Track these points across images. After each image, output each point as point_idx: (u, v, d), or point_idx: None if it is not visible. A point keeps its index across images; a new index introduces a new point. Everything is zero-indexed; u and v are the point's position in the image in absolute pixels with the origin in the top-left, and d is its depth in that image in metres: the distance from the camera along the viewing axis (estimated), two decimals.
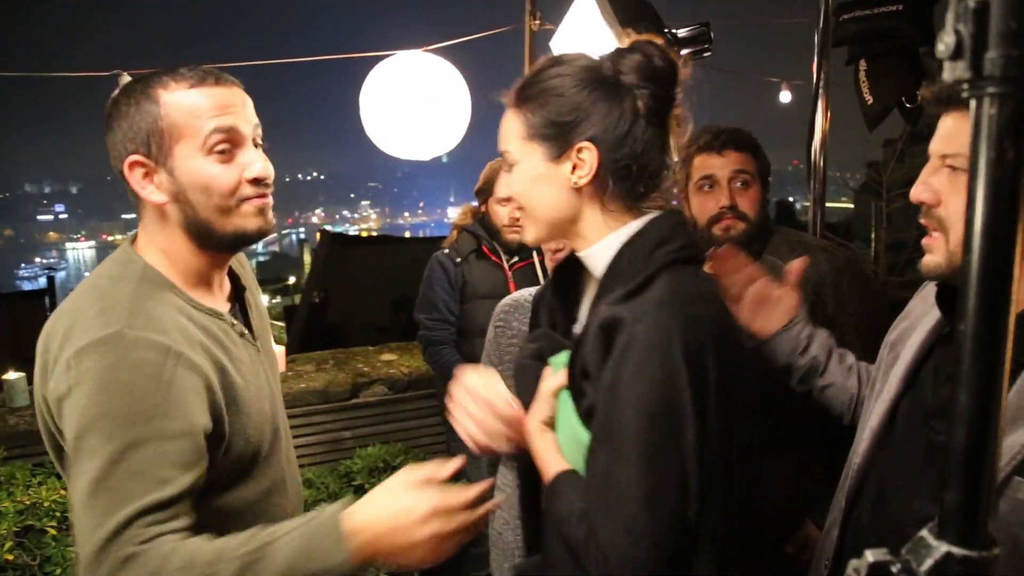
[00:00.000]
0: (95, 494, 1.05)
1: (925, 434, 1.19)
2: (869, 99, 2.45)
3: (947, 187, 1.09)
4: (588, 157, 1.08)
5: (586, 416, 1.07)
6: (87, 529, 1.06)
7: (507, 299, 2.00)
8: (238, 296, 1.40)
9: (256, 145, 1.26)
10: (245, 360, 1.29)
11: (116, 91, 1.23)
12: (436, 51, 3.42)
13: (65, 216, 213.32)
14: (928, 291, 1.31)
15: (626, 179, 1.10)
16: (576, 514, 1.03)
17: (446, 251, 2.96)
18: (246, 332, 1.34)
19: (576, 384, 1.09)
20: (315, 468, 3.11)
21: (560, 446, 1.13)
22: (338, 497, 2.77)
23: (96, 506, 1.05)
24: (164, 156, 1.19)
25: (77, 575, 1.11)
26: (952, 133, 1.09)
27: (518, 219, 2.85)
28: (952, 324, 1.17)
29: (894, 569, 0.62)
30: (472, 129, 3.43)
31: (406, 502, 1.09)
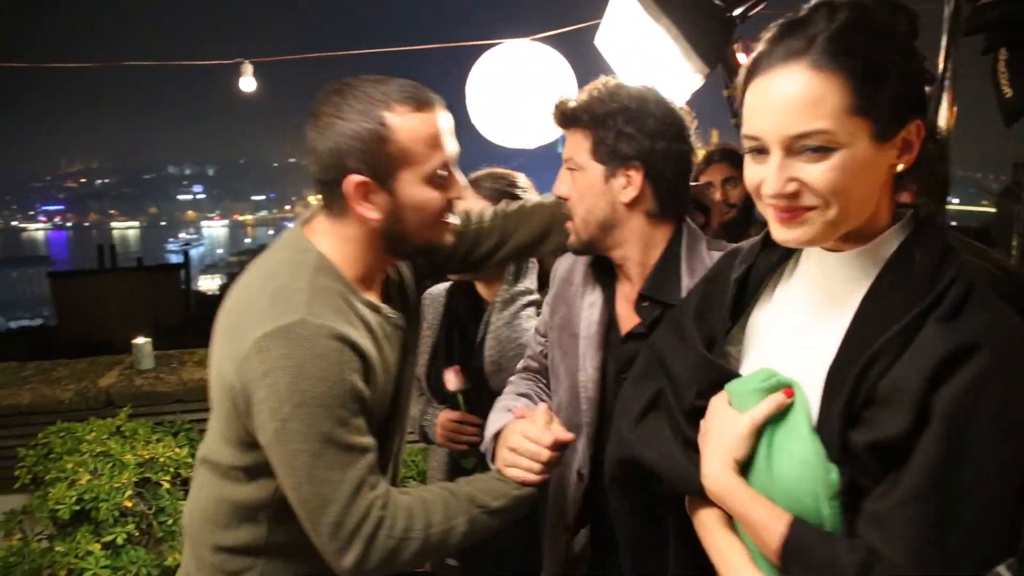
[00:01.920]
0: (315, 472, 1.18)
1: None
2: (1008, 92, 2.24)
3: (571, 185, 1.45)
4: (914, 135, 0.88)
5: (868, 450, 0.82)
6: (317, 504, 1.19)
7: (429, 291, 2.11)
8: (398, 288, 1.49)
9: None
10: (387, 349, 1.38)
11: (327, 95, 1.25)
12: (544, 40, 3.41)
13: (203, 196, 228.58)
14: (567, 276, 1.61)
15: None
16: (853, 565, 0.80)
17: None
18: (399, 320, 1.41)
19: (846, 407, 0.84)
20: (407, 447, 3.21)
21: (763, 491, 0.91)
22: (425, 475, 2.85)
23: (321, 482, 1.18)
24: (387, 178, 1.25)
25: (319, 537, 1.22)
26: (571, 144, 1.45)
27: None
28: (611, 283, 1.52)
29: None
30: None
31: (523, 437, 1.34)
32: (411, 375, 1.54)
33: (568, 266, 1.63)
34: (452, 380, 1.90)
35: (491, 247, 1.67)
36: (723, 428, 0.93)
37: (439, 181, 1.29)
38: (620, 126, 1.41)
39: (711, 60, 2.12)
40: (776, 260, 1.06)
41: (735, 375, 0.98)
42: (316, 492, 1.19)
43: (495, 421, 1.49)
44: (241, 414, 1.23)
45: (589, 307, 1.54)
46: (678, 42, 2.10)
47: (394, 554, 1.22)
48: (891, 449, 0.80)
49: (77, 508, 2.44)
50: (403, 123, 1.24)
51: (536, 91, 3.49)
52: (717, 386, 1.00)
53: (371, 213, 1.27)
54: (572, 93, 1.49)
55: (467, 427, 1.88)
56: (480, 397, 1.88)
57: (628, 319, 1.48)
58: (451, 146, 1.31)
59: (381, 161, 1.23)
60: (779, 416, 0.90)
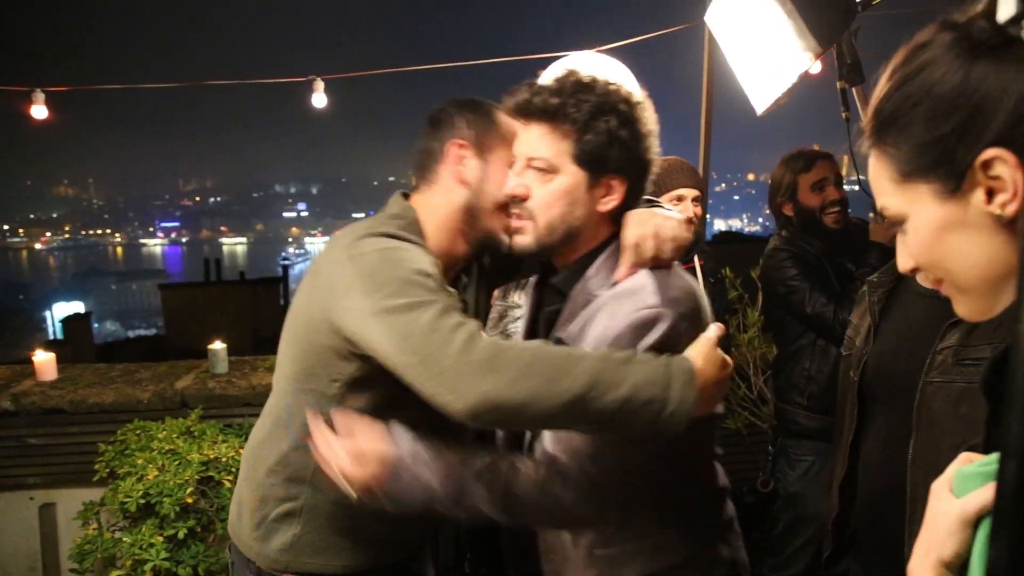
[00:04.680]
0: (390, 326, 1.28)
1: None
2: None
3: (535, 185, 1.37)
4: (1004, 170, 0.68)
5: None
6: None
7: None
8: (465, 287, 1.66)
9: None
10: None
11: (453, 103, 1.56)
12: (609, 51, 3.38)
13: (306, 214, 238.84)
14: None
15: None
16: None
17: None
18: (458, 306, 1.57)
19: None
20: None
21: None
22: None
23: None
24: (485, 151, 1.50)
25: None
26: (536, 139, 1.36)
27: (689, 218, 2.75)
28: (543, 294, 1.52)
29: None
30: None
31: (719, 357, 1.27)
32: None
33: None
34: None
35: None
36: (934, 517, 0.74)
37: (509, 169, 1.50)
38: (613, 131, 1.31)
39: (825, 41, 2.04)
40: None
41: None
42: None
43: None
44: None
45: (522, 311, 1.60)
46: (792, 18, 2.03)
47: (497, 356, 1.19)
48: None
49: (143, 502, 2.56)
50: (506, 120, 1.49)
51: None
52: None
53: (464, 173, 1.50)
54: (545, 80, 1.41)
55: None
56: None
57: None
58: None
59: (487, 133, 1.50)
60: None
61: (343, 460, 1.24)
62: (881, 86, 0.79)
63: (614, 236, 1.41)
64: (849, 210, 2.78)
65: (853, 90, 2.19)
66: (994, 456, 0.69)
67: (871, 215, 2.24)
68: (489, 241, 1.54)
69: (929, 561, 0.71)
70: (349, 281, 1.34)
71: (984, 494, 0.68)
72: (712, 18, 2.39)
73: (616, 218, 1.40)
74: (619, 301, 1.31)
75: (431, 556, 1.95)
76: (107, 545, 2.67)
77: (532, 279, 1.60)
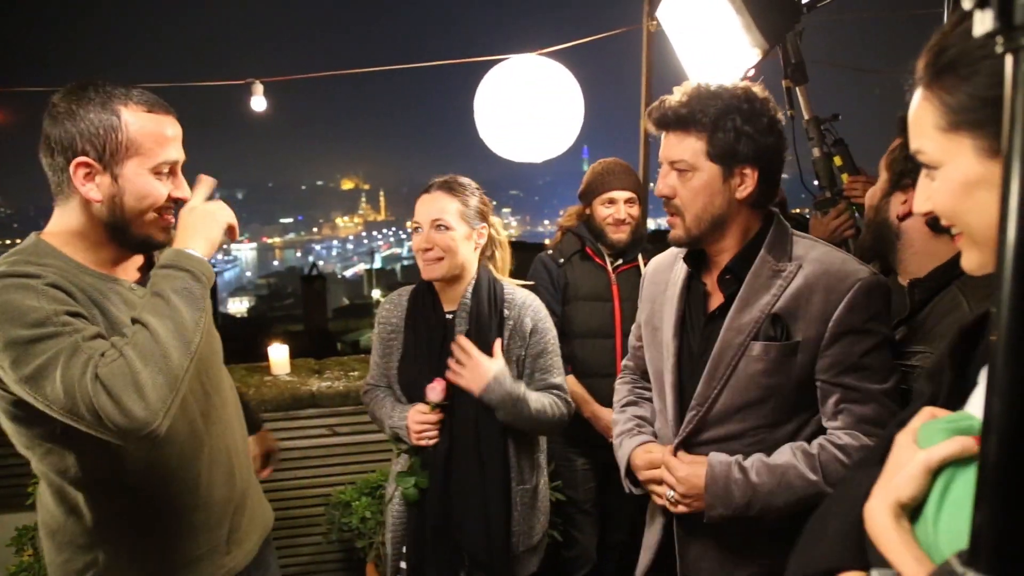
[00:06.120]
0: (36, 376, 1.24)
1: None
2: None
3: (678, 184, 1.53)
4: None
5: None
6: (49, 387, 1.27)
7: (392, 294, 2.26)
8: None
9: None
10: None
11: (70, 88, 1.38)
12: (550, 54, 3.43)
13: None
14: (653, 277, 1.77)
15: None
16: None
17: (550, 252, 2.95)
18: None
19: None
20: None
21: (927, 543, 0.73)
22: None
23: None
24: (114, 164, 1.38)
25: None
26: (674, 144, 1.52)
27: (623, 219, 2.80)
28: (697, 273, 1.66)
29: None
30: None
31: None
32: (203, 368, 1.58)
33: (655, 266, 1.80)
34: (436, 392, 1.99)
35: None
36: (897, 464, 0.78)
37: (164, 177, 1.43)
38: (738, 126, 1.46)
39: (771, 37, 2.11)
40: None
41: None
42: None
43: (625, 447, 1.73)
44: None
45: (670, 300, 1.69)
46: (740, 14, 2.09)
47: (124, 372, 1.22)
48: None
49: None
50: (135, 118, 1.38)
51: (543, 105, 3.51)
52: None
53: (93, 194, 1.37)
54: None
55: (435, 427, 2.00)
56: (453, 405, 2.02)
57: (715, 299, 1.61)
58: (177, 152, 1.45)
59: (109, 147, 1.36)
60: (963, 464, 0.72)
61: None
62: (950, 25, 0.74)
63: (767, 221, 1.57)
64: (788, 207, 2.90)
65: (798, 89, 2.28)
66: (960, 413, 0.77)
67: (812, 210, 2.33)
68: (145, 245, 1.48)
69: (888, 501, 0.75)
70: None
71: (949, 446, 0.73)
72: (664, 14, 2.44)
73: (756, 204, 1.55)
74: (831, 277, 1.47)
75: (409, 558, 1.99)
76: (43, 571, 2.55)
77: (679, 287, 1.68)
